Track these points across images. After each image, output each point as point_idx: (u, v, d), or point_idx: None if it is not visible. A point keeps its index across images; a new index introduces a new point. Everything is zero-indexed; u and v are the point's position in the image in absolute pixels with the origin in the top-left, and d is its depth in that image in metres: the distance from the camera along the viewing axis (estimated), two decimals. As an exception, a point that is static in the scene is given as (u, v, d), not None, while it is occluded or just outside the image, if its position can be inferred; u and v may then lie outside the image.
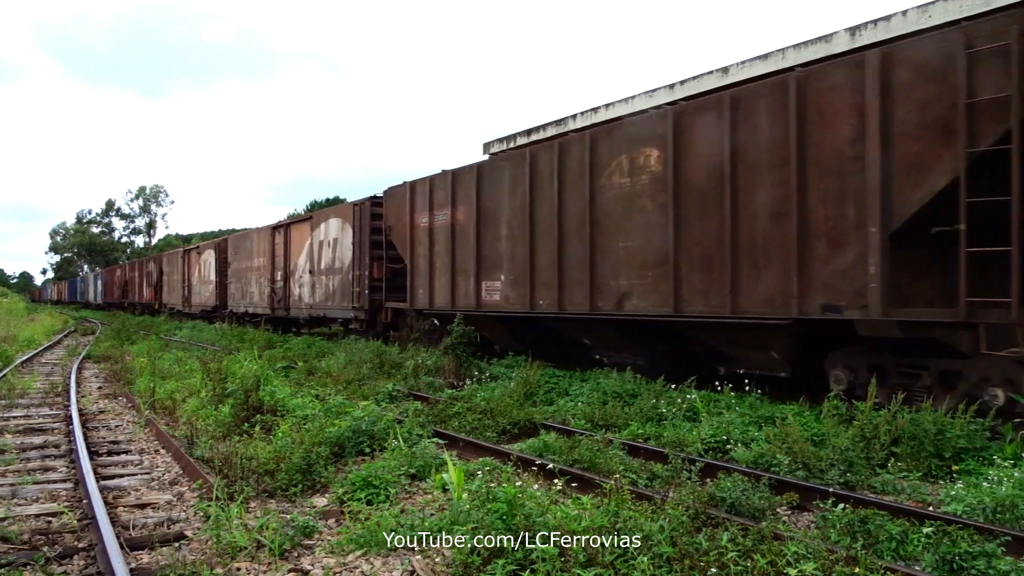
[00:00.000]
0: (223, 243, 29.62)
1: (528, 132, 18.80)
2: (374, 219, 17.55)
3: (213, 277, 29.86)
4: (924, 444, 6.55)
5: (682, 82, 14.53)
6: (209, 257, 30.70)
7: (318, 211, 20.55)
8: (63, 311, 58.10)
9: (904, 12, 10.99)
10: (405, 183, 16.15)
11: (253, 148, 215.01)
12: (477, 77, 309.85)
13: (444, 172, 14.88)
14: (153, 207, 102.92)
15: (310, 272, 20.66)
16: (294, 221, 22.73)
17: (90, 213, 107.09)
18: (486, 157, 20.25)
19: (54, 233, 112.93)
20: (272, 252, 23.61)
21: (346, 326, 18.90)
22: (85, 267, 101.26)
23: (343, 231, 18.78)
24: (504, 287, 12.89)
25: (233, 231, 53.11)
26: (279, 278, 23.03)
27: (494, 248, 13.20)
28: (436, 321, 15.47)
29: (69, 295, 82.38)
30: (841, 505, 5.02)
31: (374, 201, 17.72)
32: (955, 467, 6.34)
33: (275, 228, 23.73)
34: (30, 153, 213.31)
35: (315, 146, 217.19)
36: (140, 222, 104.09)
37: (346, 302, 18.38)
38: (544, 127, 18.20)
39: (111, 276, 56.54)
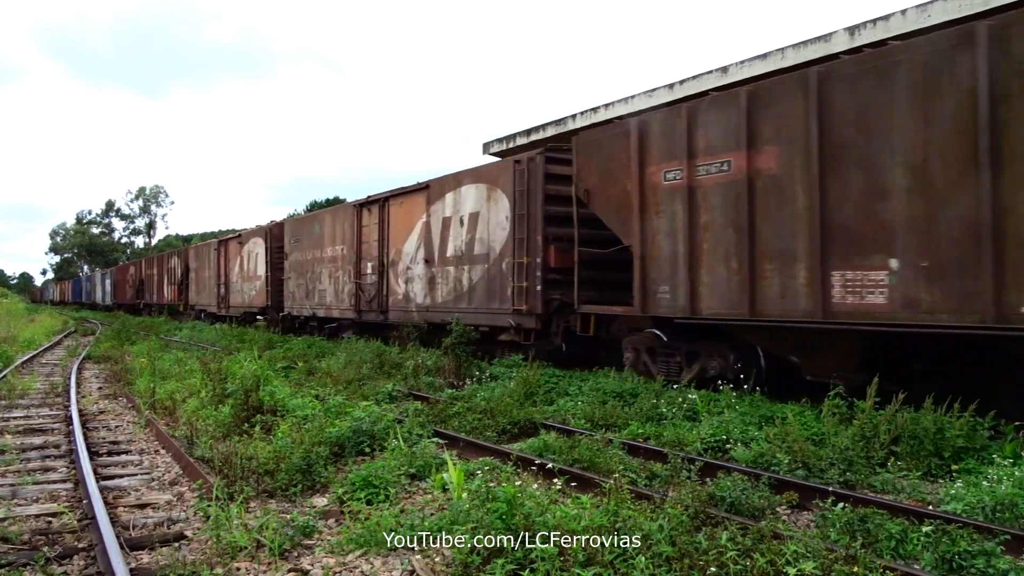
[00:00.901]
0: (277, 228, 23.88)
1: (528, 132, 18.81)
2: (551, 181, 12.40)
3: (262, 272, 24.04)
4: (924, 443, 6.55)
5: (681, 82, 14.54)
6: (256, 247, 24.69)
7: (439, 178, 15.36)
8: (63, 312, 57.98)
9: (903, 11, 11.01)
10: (624, 120, 11.20)
11: (253, 148, 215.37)
12: (477, 77, 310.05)
13: (723, 93, 9.90)
14: (153, 207, 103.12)
15: (426, 262, 15.45)
16: (396, 193, 16.90)
17: (90, 213, 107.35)
18: (487, 156, 20.23)
19: (54, 234, 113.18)
20: (357, 237, 18.32)
21: (493, 337, 13.63)
22: (85, 267, 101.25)
23: (490, 202, 13.53)
24: (899, 280, 7.45)
25: (233, 231, 51.54)
26: (369, 270, 17.78)
27: (865, 211, 7.75)
28: (660, 335, 10.65)
29: (73, 295, 78.72)
30: (841, 504, 5.02)
31: (551, 155, 12.60)
32: (955, 466, 6.34)
33: (362, 205, 18.31)
34: (30, 153, 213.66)
35: (315, 146, 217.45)
36: (140, 222, 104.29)
37: (496, 302, 13.18)
38: (544, 127, 18.22)
39: (122, 275, 51.52)
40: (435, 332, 14.96)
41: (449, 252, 14.80)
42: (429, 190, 15.59)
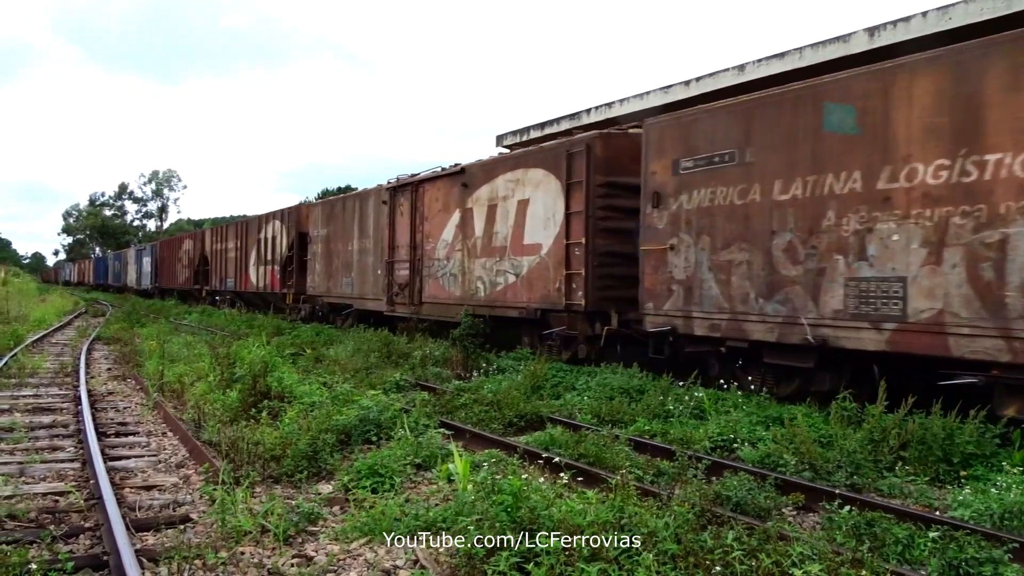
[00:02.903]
0: (604, 144, 11.40)
1: (542, 125, 18.79)
2: None
3: (544, 238, 12.17)
4: (933, 448, 6.50)
5: (698, 79, 14.46)
6: (519, 190, 12.74)
7: None
8: (74, 293, 58.17)
9: (924, 14, 10.88)
10: None
11: (266, 135, 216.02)
12: (489, 70, 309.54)
13: None
14: (165, 191, 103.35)
15: None
16: None
17: (103, 196, 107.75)
18: (500, 150, 20.27)
19: (67, 215, 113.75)
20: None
21: None
22: (97, 249, 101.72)
23: None
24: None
25: (244, 217, 47.68)
26: None
27: None
28: None
29: (95, 277, 66.46)
30: (847, 507, 5.00)
31: None
32: (963, 472, 6.29)
33: None
34: (45, 134, 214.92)
35: (327, 135, 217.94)
36: (152, 206, 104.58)
37: None
38: (559, 120, 18.19)
39: (171, 251, 39.09)
40: None
41: None
42: None
